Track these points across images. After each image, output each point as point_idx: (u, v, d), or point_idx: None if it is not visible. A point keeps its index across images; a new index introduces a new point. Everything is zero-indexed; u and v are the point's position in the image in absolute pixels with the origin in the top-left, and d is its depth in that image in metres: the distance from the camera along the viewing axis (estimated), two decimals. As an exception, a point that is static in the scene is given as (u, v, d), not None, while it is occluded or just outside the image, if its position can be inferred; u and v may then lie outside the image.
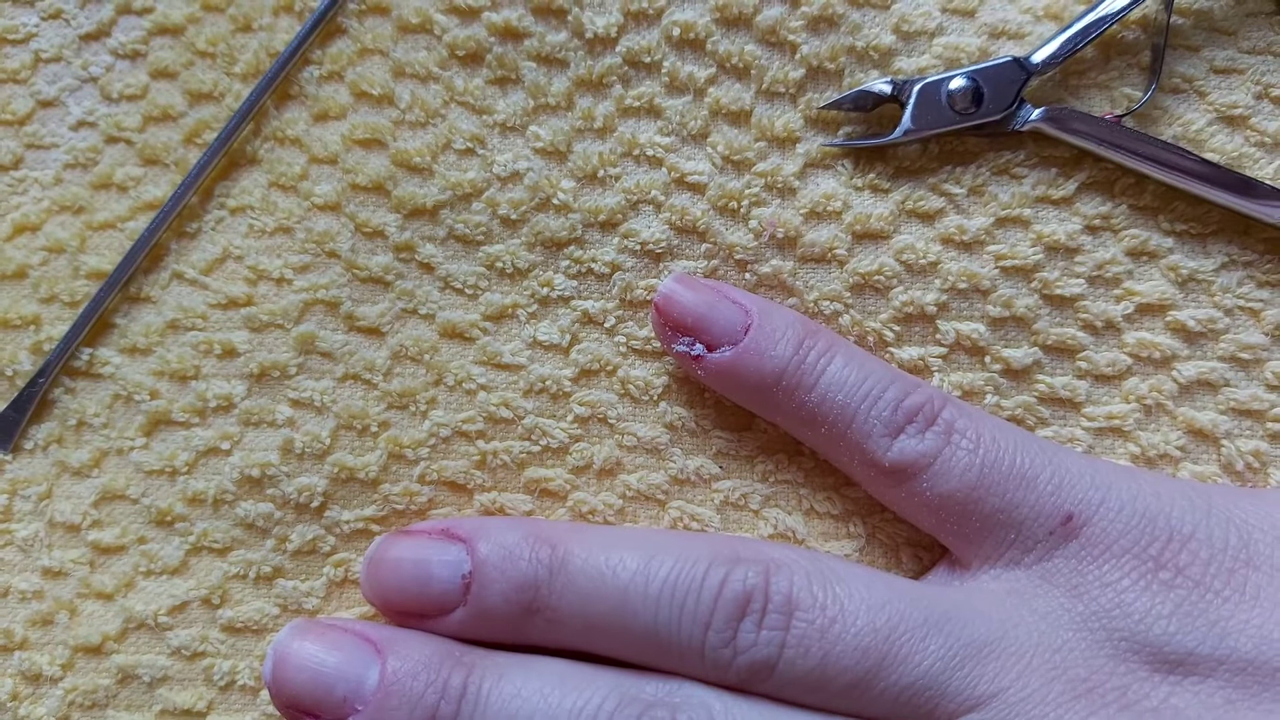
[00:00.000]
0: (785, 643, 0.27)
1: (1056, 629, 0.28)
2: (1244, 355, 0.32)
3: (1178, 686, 0.27)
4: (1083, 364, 0.32)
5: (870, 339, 0.33)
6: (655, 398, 0.33)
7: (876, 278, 0.33)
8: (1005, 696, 0.27)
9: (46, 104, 0.35)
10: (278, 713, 0.32)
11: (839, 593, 0.28)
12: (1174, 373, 0.32)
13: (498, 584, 0.29)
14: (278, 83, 0.34)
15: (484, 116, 0.34)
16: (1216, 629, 0.27)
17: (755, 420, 0.33)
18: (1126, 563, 0.28)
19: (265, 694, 0.32)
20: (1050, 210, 0.33)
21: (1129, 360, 0.32)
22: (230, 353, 0.34)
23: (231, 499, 0.33)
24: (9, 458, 0.34)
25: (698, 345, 0.31)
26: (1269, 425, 0.32)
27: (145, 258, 0.34)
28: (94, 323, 0.34)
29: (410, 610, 0.30)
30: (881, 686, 0.27)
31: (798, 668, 0.27)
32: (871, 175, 0.33)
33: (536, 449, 0.33)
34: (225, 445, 0.33)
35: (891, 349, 0.33)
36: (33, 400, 0.34)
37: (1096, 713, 0.26)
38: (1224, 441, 0.32)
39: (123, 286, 0.34)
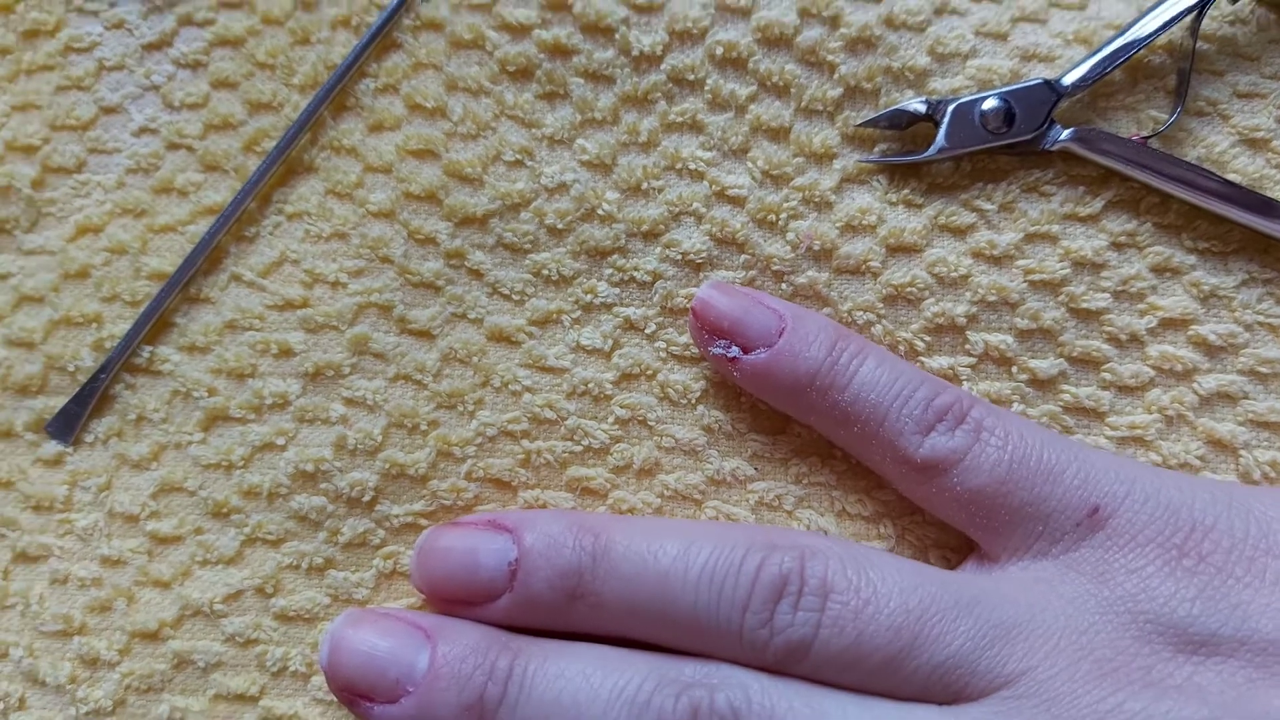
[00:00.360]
0: (820, 623, 0.29)
1: (1083, 612, 0.29)
2: (1263, 369, 0.34)
3: (1201, 666, 0.28)
4: (1107, 375, 0.34)
5: (901, 348, 0.34)
6: (693, 401, 0.35)
7: (909, 289, 0.34)
8: (1033, 675, 0.28)
9: (110, 110, 0.37)
10: (329, 697, 0.33)
11: (872, 576, 0.29)
12: (1195, 385, 0.34)
13: (543, 571, 0.30)
14: (335, 94, 0.36)
15: (533, 130, 0.36)
16: (1239, 612, 0.28)
17: (790, 424, 0.34)
18: (1151, 551, 0.29)
19: (316, 679, 0.34)
20: (1078, 227, 0.34)
21: (1152, 372, 0.34)
22: (286, 352, 0.35)
23: (286, 492, 0.35)
24: (70, 450, 0.35)
25: (734, 348, 0.32)
26: (1287, 437, 0.34)
27: (205, 260, 0.36)
28: (154, 321, 0.36)
29: (458, 597, 0.31)
30: (913, 665, 0.29)
31: (832, 647, 0.29)
32: (905, 191, 0.35)
33: (578, 449, 0.35)
34: (280, 441, 0.35)
35: (922, 358, 0.34)
36: (94, 395, 0.35)
37: (1121, 689, 0.28)
38: (1242, 452, 0.34)
39: (183, 287, 0.36)
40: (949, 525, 0.33)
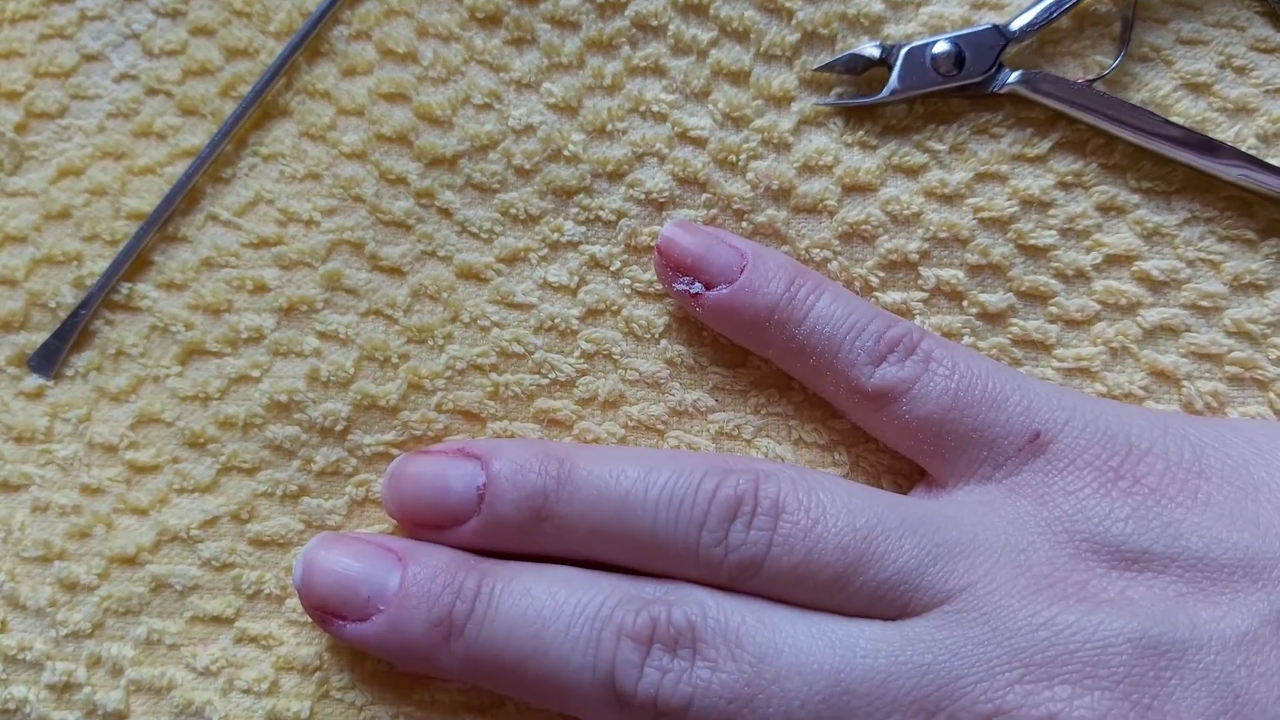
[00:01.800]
0: (772, 542, 0.31)
1: (1023, 532, 0.31)
2: (1204, 303, 0.36)
3: (1133, 581, 0.31)
4: (1054, 309, 0.36)
5: (856, 284, 0.36)
6: (656, 336, 0.37)
7: (864, 227, 0.36)
8: (974, 590, 0.31)
9: (91, 58, 0.39)
10: (303, 619, 0.36)
11: (822, 498, 0.32)
12: (1139, 318, 0.36)
13: (509, 494, 0.33)
14: (309, 40, 0.38)
15: (501, 74, 0.38)
16: (1170, 530, 0.31)
17: (749, 358, 0.37)
18: (1088, 474, 0.32)
19: (290, 602, 0.36)
20: (1026, 167, 0.37)
21: (1097, 306, 0.36)
22: (261, 288, 0.37)
23: (260, 423, 0.37)
24: (51, 383, 0.38)
25: (696, 284, 0.35)
26: (1226, 368, 0.36)
27: (182, 200, 0.38)
28: (133, 260, 0.38)
29: (428, 521, 0.34)
30: (860, 582, 0.31)
31: (783, 564, 0.31)
32: (860, 133, 0.37)
33: (545, 382, 0.37)
34: (255, 373, 0.37)
35: (876, 293, 0.36)
36: (74, 330, 0.38)
37: (1056, 603, 0.30)
38: (1184, 382, 0.36)
39: (161, 226, 0.38)
40: (900, 453, 0.35)
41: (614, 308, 0.37)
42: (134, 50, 0.39)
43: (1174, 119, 0.36)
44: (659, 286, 0.37)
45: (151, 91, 0.39)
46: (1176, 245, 0.36)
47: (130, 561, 0.36)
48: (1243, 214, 0.36)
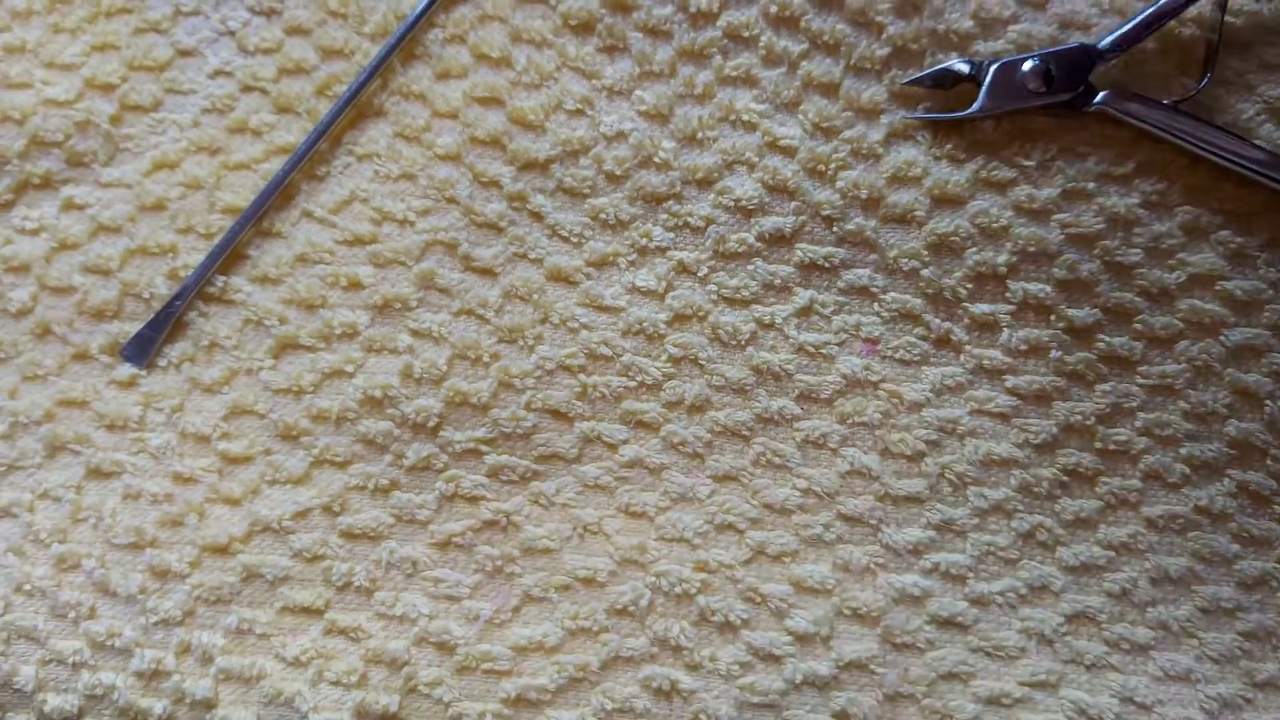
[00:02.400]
0: None
1: None
2: (1285, 324, 0.37)
3: None
4: (1139, 326, 0.37)
5: (946, 294, 0.38)
6: (743, 343, 0.38)
7: (953, 238, 0.38)
8: None
9: (186, 53, 0.40)
10: (391, 612, 0.37)
11: None
12: (1222, 338, 0.37)
13: None
14: (404, 42, 0.39)
15: (593, 81, 0.39)
16: None
17: (834, 366, 0.38)
18: None
19: (379, 595, 0.37)
20: (1112, 185, 0.38)
21: (1180, 324, 0.37)
22: (355, 285, 0.39)
23: (354, 417, 0.38)
24: (144, 373, 0.39)
25: None
26: (1307, 388, 0.37)
27: (277, 196, 0.39)
28: (228, 253, 0.39)
29: None
30: None
31: None
32: (949, 146, 0.38)
33: (633, 384, 0.38)
34: (349, 368, 0.38)
35: (965, 304, 0.38)
36: (168, 321, 0.39)
37: None
38: (1267, 401, 0.37)
39: (255, 221, 0.39)
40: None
41: (701, 313, 0.38)
42: (229, 47, 0.40)
43: (1257, 142, 0.38)
44: (746, 293, 0.38)
45: (246, 88, 0.40)
46: (1259, 266, 0.37)
47: (222, 551, 0.37)
48: (1325, 237, 0.37)
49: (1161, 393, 0.37)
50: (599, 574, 0.37)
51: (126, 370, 0.38)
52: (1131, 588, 0.36)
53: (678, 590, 0.37)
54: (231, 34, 0.40)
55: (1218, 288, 0.37)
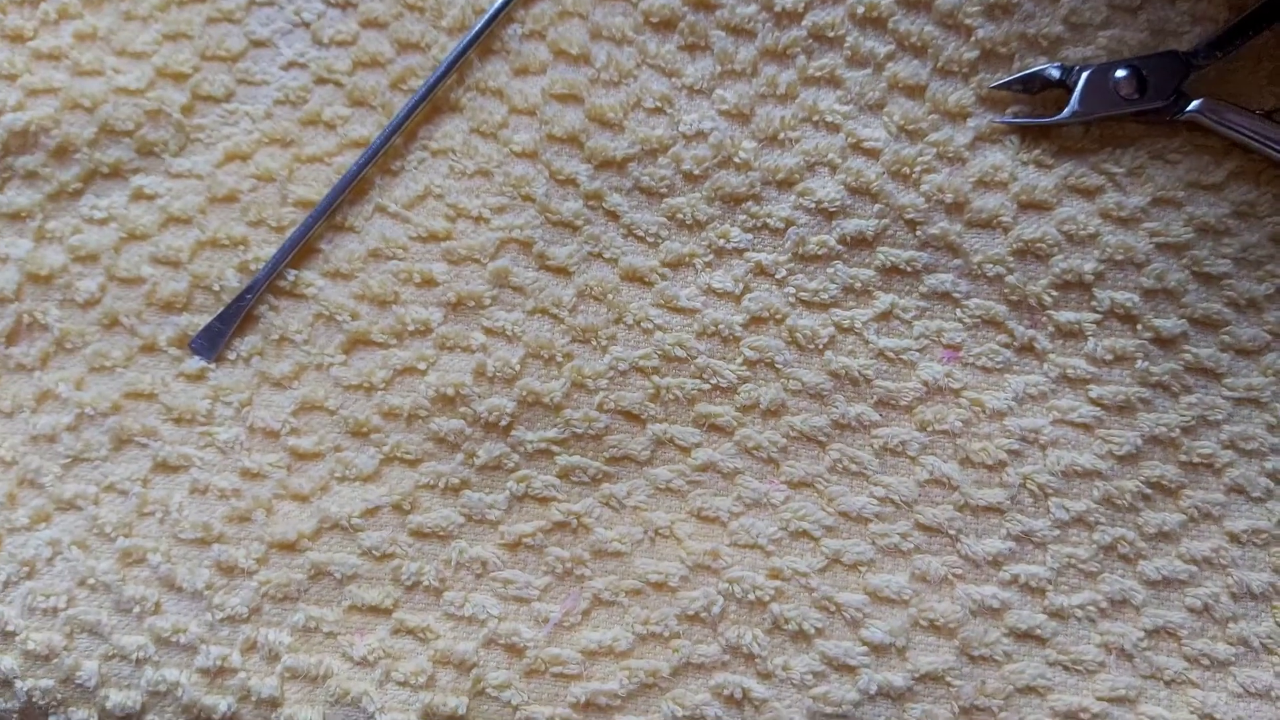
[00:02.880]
0: None
1: None
2: (1376, 339, 0.37)
3: None
4: (1226, 338, 0.37)
5: (1030, 301, 0.38)
6: (820, 347, 0.38)
7: (1038, 245, 0.38)
8: None
9: (259, 44, 0.40)
10: (460, 612, 0.37)
11: None
12: (1310, 351, 0.37)
13: None
14: (482, 37, 0.40)
15: (674, 79, 0.39)
16: None
17: (914, 372, 0.38)
18: None
19: (448, 595, 0.37)
20: (1201, 194, 0.38)
21: (1268, 336, 0.37)
22: (429, 282, 0.39)
23: (425, 415, 0.38)
24: (213, 366, 0.39)
25: None
26: (1397, 405, 0.37)
27: (350, 191, 0.39)
28: (300, 247, 0.39)
29: None
30: None
31: None
32: (1037, 151, 0.38)
33: (707, 387, 0.38)
34: (421, 365, 0.38)
35: (1049, 311, 0.37)
36: (239, 314, 0.39)
37: None
38: (1354, 417, 0.37)
39: (328, 215, 0.39)
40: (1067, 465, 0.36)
41: (778, 316, 0.38)
42: (303, 38, 0.40)
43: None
44: (825, 296, 0.38)
45: (320, 81, 0.40)
46: (1350, 279, 0.37)
47: (290, 548, 0.38)
48: None
49: (1247, 405, 0.37)
50: (670, 579, 0.37)
51: (195, 363, 0.39)
52: (1213, 603, 0.36)
53: (751, 597, 0.37)
54: (306, 25, 0.40)
55: (1308, 301, 0.37)
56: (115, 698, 0.36)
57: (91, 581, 0.37)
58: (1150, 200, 0.37)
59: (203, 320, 0.39)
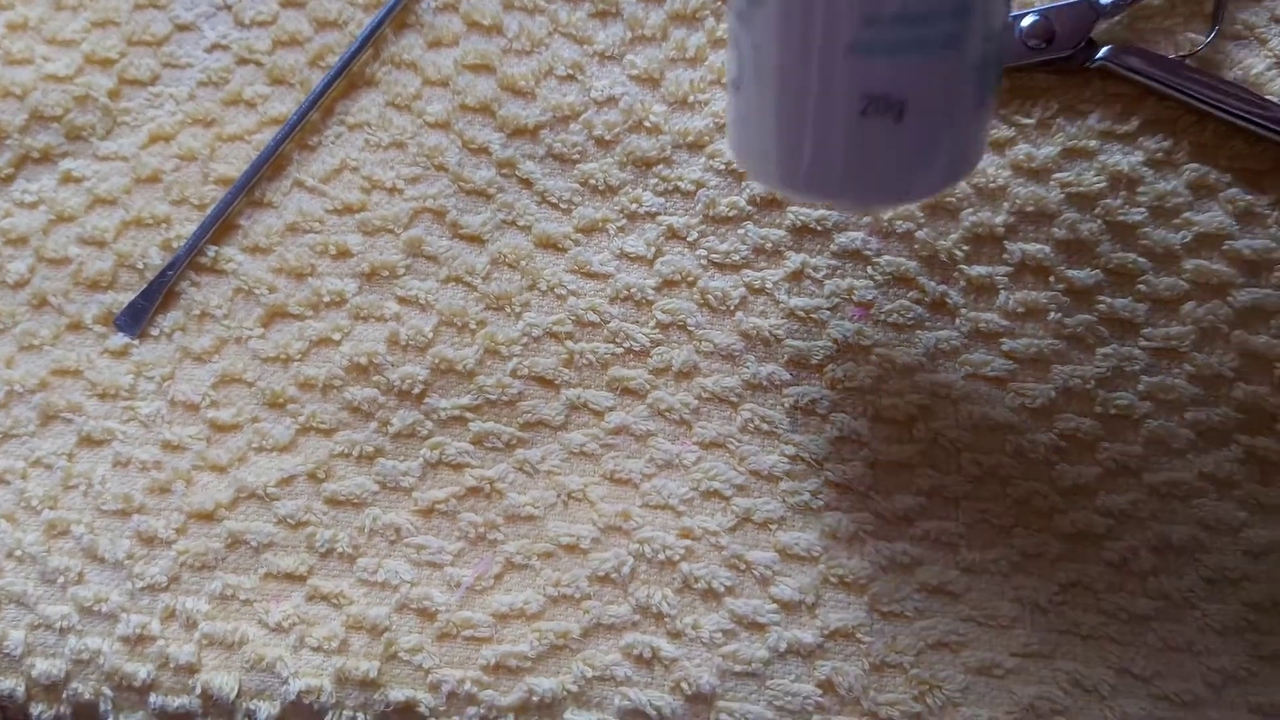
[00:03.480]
0: None
1: None
2: (1298, 284, 0.38)
3: None
4: (1142, 288, 0.38)
5: (941, 256, 0.39)
6: (732, 308, 0.39)
7: (948, 200, 0.39)
8: None
9: (183, 28, 0.43)
10: (373, 578, 0.38)
11: None
12: (1230, 299, 0.38)
13: None
14: (396, 12, 0.42)
15: (585, 46, 0.41)
16: None
17: (825, 331, 0.39)
18: None
19: (361, 561, 0.39)
20: (1115, 144, 0.39)
21: (1186, 285, 0.38)
22: (344, 253, 0.41)
23: (340, 384, 0.40)
24: (137, 342, 0.41)
25: None
26: (1321, 351, 0.37)
27: (269, 167, 0.41)
28: (220, 223, 0.41)
29: None
30: None
31: None
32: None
33: (620, 350, 0.40)
34: (336, 336, 0.40)
35: (961, 266, 0.39)
36: (161, 291, 0.41)
37: None
38: (1277, 364, 0.38)
39: (247, 192, 0.41)
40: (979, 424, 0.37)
41: (690, 279, 0.39)
42: (225, 21, 0.43)
43: (1268, 97, 0.38)
44: (736, 258, 0.39)
45: (242, 61, 0.42)
46: (1269, 224, 0.38)
47: (208, 517, 0.39)
48: (1340, 193, 0.38)
49: (1166, 356, 0.38)
50: (582, 541, 0.38)
51: (119, 340, 0.41)
52: (1131, 557, 0.37)
53: (661, 557, 0.38)
54: (228, 8, 0.43)
55: (1225, 247, 0.38)
56: (41, 666, 0.38)
57: (18, 553, 0.39)
58: (1061, 151, 0.38)
59: (127, 298, 0.41)
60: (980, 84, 0.28)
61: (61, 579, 0.39)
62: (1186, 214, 0.37)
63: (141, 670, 0.38)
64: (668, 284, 0.39)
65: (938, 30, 0.27)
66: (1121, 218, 0.37)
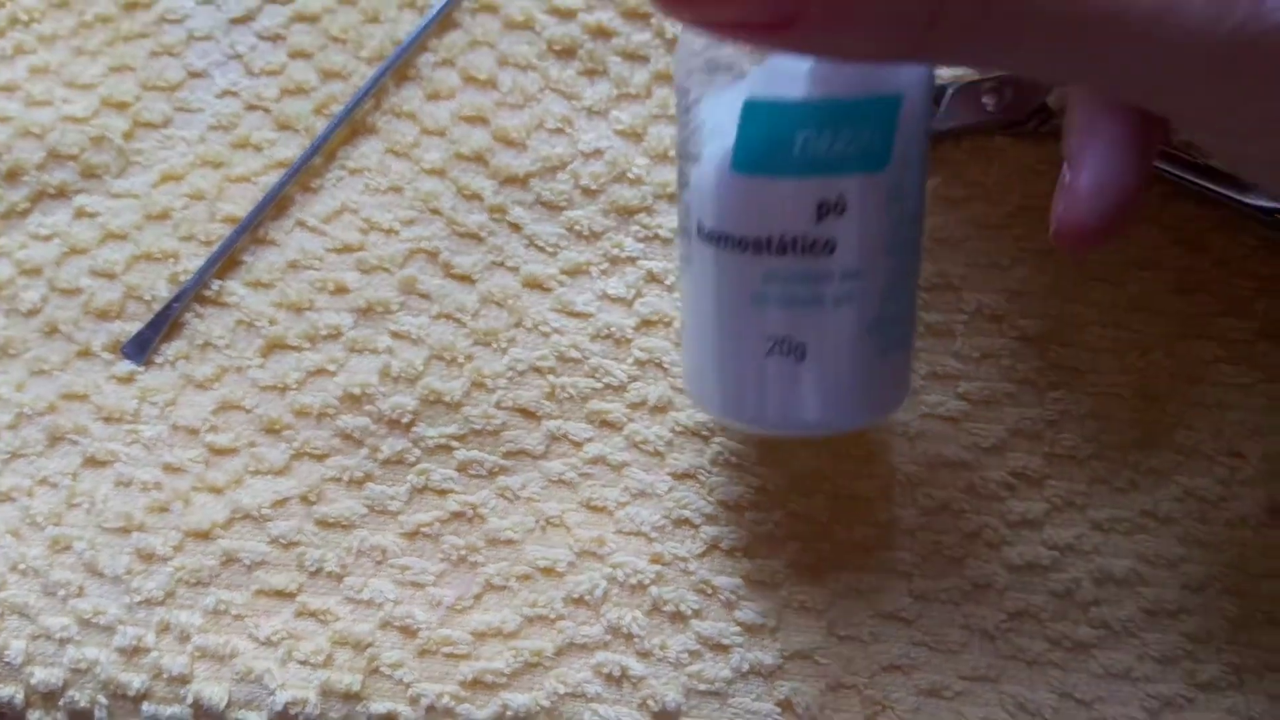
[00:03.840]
0: None
1: None
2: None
3: None
4: (1089, 337, 0.42)
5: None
6: (707, 349, 0.43)
7: (908, 250, 0.42)
8: None
9: (196, 75, 0.47)
10: (359, 596, 0.41)
11: None
12: (1170, 351, 0.42)
13: None
14: (398, 66, 0.46)
15: (573, 102, 0.45)
16: None
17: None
18: None
19: (348, 580, 0.42)
20: (1065, 202, 0.42)
21: (1133, 336, 0.42)
22: (342, 290, 0.44)
23: (333, 413, 0.43)
24: (142, 369, 0.44)
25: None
26: None
27: (273, 207, 0.45)
28: (225, 259, 0.45)
29: None
30: None
31: None
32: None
33: (599, 385, 0.43)
34: (332, 367, 0.43)
35: (921, 313, 0.42)
36: (166, 322, 0.44)
37: None
38: (1213, 408, 0.41)
39: (252, 230, 0.45)
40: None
41: (666, 319, 0.43)
42: (236, 69, 0.46)
43: (1211, 162, 0.42)
44: (712, 302, 0.43)
45: (250, 107, 0.46)
46: (1210, 286, 0.42)
47: (204, 536, 0.42)
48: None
49: (1110, 399, 0.41)
50: (558, 564, 0.41)
51: (126, 367, 0.44)
52: (1075, 587, 0.40)
53: (633, 581, 0.41)
54: (239, 57, 0.46)
55: (1162, 306, 0.42)
56: (40, 675, 0.41)
57: (22, 567, 0.42)
58: (1016, 208, 0.42)
59: (134, 328, 0.44)
60: (883, 336, 0.33)
61: (62, 592, 0.42)
62: (1132, 270, 0.41)
63: (136, 680, 0.40)
64: (646, 324, 0.42)
65: (831, 290, 0.32)
66: (1070, 273, 0.41)
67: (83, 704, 0.40)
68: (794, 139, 0.31)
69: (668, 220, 0.42)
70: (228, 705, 0.40)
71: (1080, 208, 0.32)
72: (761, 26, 0.24)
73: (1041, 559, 0.39)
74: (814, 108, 0.31)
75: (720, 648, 0.39)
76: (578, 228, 0.42)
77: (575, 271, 0.42)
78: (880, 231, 0.32)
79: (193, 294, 0.43)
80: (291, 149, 0.44)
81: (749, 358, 0.34)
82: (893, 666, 0.39)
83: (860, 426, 0.35)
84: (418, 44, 0.44)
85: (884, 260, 0.33)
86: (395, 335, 0.42)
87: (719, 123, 0.32)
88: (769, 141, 0.31)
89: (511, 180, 0.43)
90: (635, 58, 0.43)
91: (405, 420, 0.41)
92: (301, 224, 0.43)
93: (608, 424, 0.41)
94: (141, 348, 0.43)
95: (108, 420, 0.43)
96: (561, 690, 0.39)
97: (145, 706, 0.40)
